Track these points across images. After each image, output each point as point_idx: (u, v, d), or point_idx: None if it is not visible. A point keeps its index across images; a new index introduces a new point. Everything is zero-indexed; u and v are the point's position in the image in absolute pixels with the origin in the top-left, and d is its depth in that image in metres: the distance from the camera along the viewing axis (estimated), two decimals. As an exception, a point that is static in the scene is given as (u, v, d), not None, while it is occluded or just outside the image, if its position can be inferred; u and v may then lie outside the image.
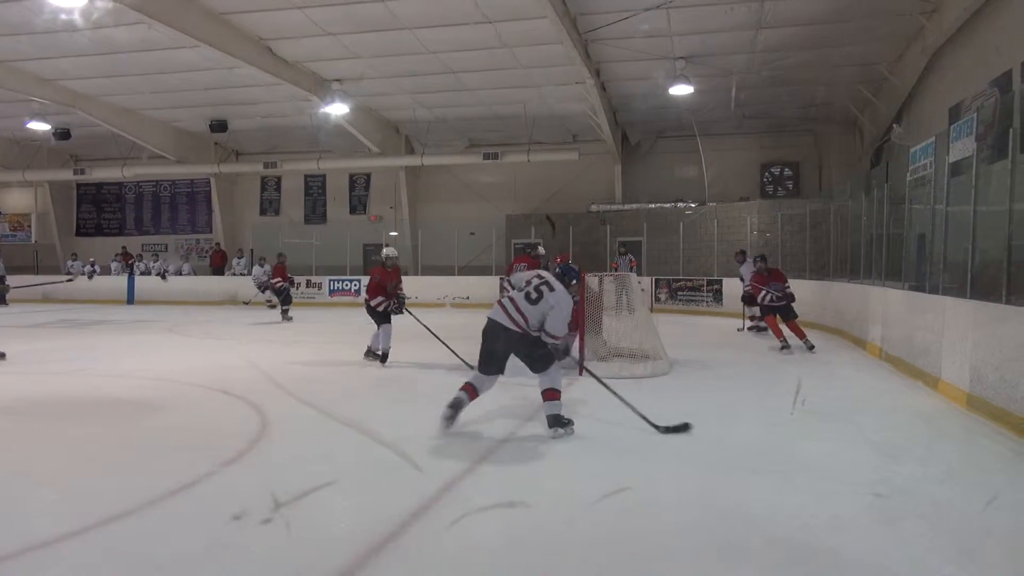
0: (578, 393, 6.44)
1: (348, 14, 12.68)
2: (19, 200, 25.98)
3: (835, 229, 13.20)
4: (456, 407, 5.08)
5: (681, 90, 15.13)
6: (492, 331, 5.10)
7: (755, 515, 3.54)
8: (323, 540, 3.24)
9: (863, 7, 11.76)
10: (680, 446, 4.92)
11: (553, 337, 5.11)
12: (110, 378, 7.67)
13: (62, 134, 20.54)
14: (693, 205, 19.25)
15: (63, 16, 12.45)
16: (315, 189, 23.86)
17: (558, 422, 5.04)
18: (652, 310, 11.58)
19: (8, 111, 19.09)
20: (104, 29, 13.22)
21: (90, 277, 22.06)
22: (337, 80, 16.41)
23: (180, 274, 22.37)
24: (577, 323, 7.73)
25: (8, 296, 11.66)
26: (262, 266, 16.13)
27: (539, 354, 5.12)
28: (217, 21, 13.01)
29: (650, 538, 3.29)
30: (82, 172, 23.16)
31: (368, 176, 23.21)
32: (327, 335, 12.54)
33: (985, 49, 10.56)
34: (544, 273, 5.35)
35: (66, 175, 23.84)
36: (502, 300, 5.22)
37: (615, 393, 5.48)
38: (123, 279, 21.94)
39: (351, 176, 23.33)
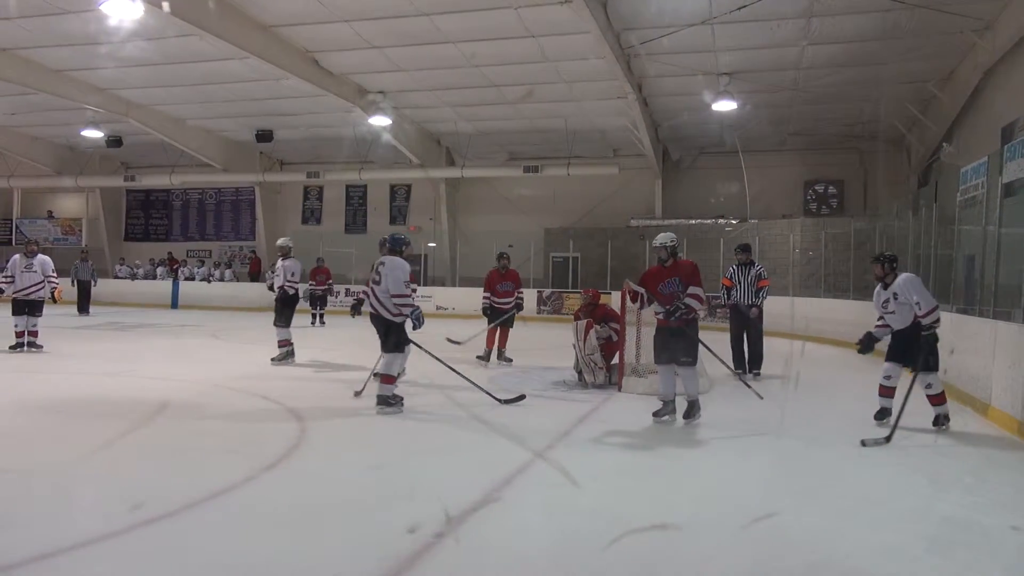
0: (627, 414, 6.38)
1: (393, 27, 12.85)
2: (71, 205, 26.78)
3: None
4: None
5: (724, 106, 14.99)
6: None
7: (798, 540, 3.46)
8: (363, 548, 3.26)
9: (912, 25, 11.53)
10: (720, 467, 4.85)
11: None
12: (155, 380, 7.82)
13: (114, 142, 21.13)
14: (734, 222, 19.03)
15: (118, 27, 12.81)
16: (356, 199, 24.16)
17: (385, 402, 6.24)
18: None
19: (64, 119, 19.69)
20: (157, 40, 13.60)
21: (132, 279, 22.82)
22: (381, 92, 16.61)
23: (223, 280, 22.83)
24: (618, 339, 7.71)
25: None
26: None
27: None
28: (266, 33, 13.29)
29: (686, 559, 3.24)
30: (132, 179, 23.84)
31: (408, 187, 23.42)
32: (364, 343, 12.61)
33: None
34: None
35: (117, 182, 24.53)
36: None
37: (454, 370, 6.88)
38: (168, 283, 22.53)
39: (392, 187, 23.58)
